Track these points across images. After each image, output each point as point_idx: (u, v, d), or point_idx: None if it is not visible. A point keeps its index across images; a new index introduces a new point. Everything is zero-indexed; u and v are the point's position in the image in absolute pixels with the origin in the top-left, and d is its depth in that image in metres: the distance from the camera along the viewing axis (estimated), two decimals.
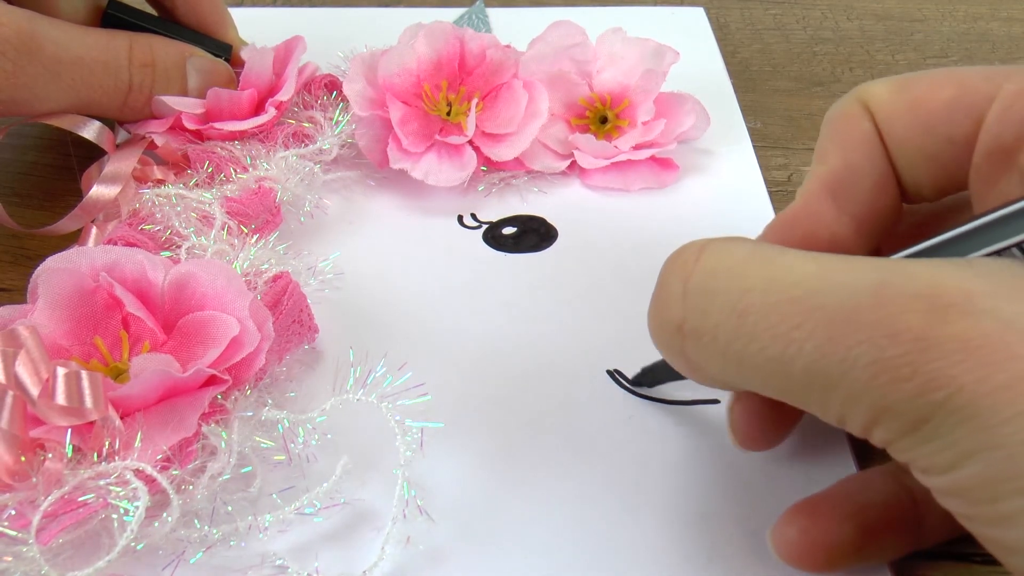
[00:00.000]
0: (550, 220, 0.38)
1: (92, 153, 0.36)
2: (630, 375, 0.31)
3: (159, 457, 0.26)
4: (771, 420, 0.26)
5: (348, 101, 0.38)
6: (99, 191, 0.34)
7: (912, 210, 0.27)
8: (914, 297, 0.19)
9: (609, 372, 0.31)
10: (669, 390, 0.30)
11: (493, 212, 0.38)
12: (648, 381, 0.30)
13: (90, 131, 0.36)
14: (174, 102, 0.37)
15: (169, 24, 0.39)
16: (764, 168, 0.40)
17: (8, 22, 0.32)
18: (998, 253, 0.21)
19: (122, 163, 0.35)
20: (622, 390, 0.30)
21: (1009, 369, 0.18)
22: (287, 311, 0.31)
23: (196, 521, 0.25)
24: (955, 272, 0.19)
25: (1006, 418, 0.18)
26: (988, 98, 0.23)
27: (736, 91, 0.45)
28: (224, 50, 0.39)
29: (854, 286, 0.20)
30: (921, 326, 0.19)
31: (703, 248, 0.22)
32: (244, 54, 0.39)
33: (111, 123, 0.38)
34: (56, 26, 0.34)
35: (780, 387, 0.21)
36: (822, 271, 0.20)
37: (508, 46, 0.40)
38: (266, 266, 0.32)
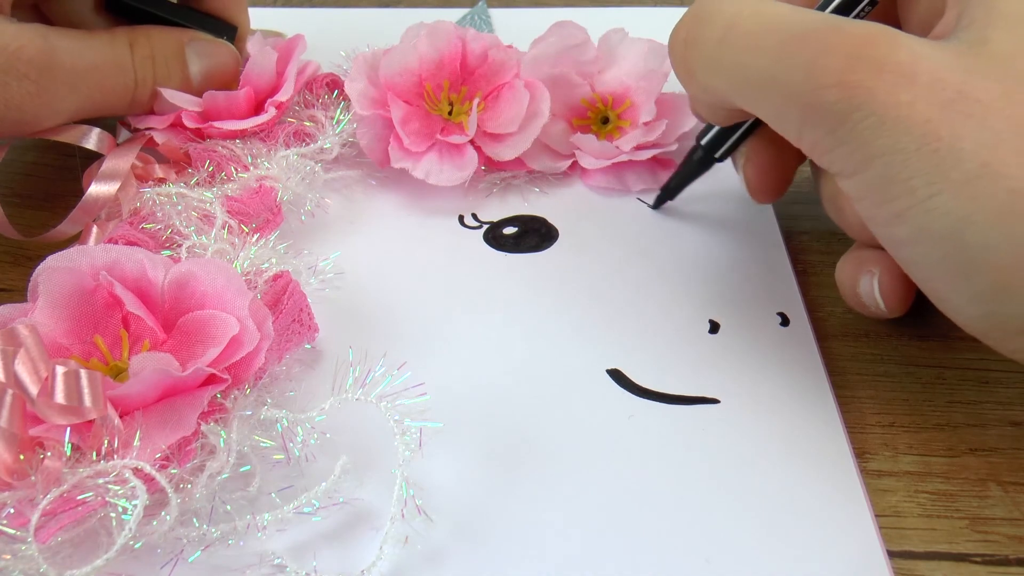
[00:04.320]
0: (551, 220, 0.38)
1: (93, 153, 0.36)
2: (630, 376, 0.31)
3: (158, 456, 0.26)
4: (774, 173, 0.34)
5: (350, 100, 0.38)
6: (97, 189, 0.34)
7: None
8: (851, 32, 0.25)
9: (609, 372, 0.31)
10: (669, 389, 0.30)
11: (494, 212, 0.38)
12: (674, 184, 0.37)
13: (91, 141, 0.35)
14: (172, 97, 0.37)
15: (174, 6, 0.38)
16: None
17: (28, 43, 0.32)
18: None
19: (120, 159, 0.35)
20: (622, 390, 0.30)
21: (912, 91, 0.24)
22: (287, 310, 0.31)
23: (195, 520, 0.25)
24: (879, 26, 0.25)
25: (906, 128, 0.24)
26: None
27: None
28: (229, 31, 0.39)
29: (811, 22, 0.26)
30: (852, 45, 0.25)
31: None
32: (250, 48, 0.39)
33: (112, 124, 0.37)
34: (66, 35, 0.34)
35: (741, 89, 0.28)
36: (792, 12, 0.27)
37: (510, 46, 0.40)
38: (266, 265, 0.32)
